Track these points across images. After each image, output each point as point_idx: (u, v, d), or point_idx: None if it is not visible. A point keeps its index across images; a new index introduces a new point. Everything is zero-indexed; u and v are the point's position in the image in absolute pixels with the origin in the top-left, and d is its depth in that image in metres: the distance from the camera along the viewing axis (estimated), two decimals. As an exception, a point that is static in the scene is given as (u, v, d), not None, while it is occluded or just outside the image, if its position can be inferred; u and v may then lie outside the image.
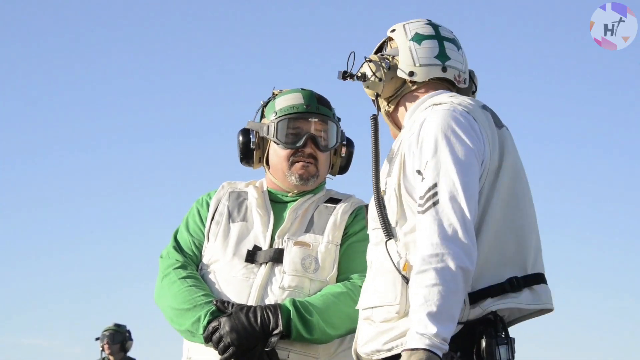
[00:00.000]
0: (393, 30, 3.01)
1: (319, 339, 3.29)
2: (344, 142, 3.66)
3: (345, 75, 2.97)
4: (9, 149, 13.78)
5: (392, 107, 3.00)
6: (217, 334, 3.27)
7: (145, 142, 13.43)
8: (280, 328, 3.25)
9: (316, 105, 3.58)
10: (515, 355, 2.68)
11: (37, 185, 13.86)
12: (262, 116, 3.66)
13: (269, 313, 3.27)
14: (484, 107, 2.87)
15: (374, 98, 3.02)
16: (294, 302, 3.30)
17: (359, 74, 2.97)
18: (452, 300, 2.57)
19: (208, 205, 3.61)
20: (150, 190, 13.53)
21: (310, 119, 3.55)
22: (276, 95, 3.65)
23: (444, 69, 2.94)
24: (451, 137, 2.71)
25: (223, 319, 3.27)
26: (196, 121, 13.17)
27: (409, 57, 2.93)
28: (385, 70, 2.95)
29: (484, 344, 2.63)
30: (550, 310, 2.77)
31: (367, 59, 2.98)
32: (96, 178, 13.78)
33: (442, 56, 2.94)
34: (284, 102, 3.59)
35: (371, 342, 2.79)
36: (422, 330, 2.53)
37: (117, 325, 9.61)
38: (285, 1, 12.48)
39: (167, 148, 13.40)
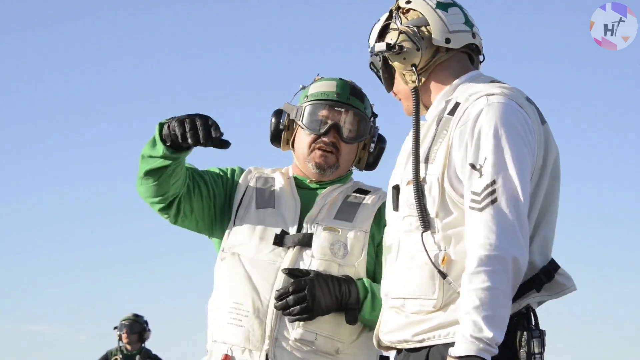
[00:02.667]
0: (409, 2, 2.89)
1: (372, 323, 3.27)
2: (374, 138, 3.63)
3: (389, 48, 2.84)
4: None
5: (423, 79, 2.88)
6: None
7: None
8: (358, 305, 3.30)
9: (347, 96, 3.55)
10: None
11: (52, 166, 13.94)
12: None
13: (350, 288, 3.31)
14: (528, 100, 2.79)
15: (406, 71, 2.88)
16: (370, 283, 3.33)
17: (397, 46, 2.84)
18: (506, 304, 2.54)
19: (235, 172, 3.62)
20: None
21: (337, 108, 3.52)
22: (316, 81, 3.63)
23: (473, 35, 2.88)
24: (511, 135, 2.63)
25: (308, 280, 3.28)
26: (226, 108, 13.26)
27: (441, 24, 2.84)
28: (419, 39, 2.84)
29: (519, 336, 2.60)
30: (574, 289, 2.74)
31: (399, 30, 2.86)
32: (113, 160, 13.85)
33: (468, 22, 2.88)
34: (317, 88, 3.57)
35: (399, 331, 2.74)
36: (476, 334, 2.49)
37: (136, 316, 9.68)
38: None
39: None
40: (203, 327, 3.52)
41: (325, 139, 3.52)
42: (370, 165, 3.66)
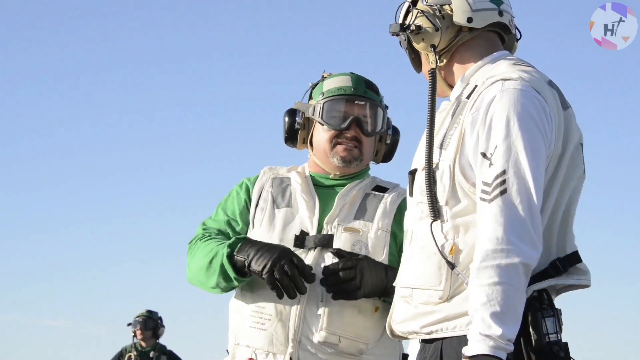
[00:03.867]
0: None
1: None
2: (389, 130, 3.62)
3: (403, 28, 2.77)
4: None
5: (445, 60, 2.80)
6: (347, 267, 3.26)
7: (195, 116, 13.51)
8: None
9: (364, 89, 3.54)
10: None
11: (71, 157, 13.98)
12: (310, 98, 3.64)
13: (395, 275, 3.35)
14: (550, 84, 2.68)
15: (427, 52, 2.79)
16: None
17: (414, 26, 2.76)
18: (516, 299, 2.45)
19: (248, 189, 3.57)
20: (188, 172, 13.63)
21: (356, 102, 3.52)
22: (325, 77, 3.61)
23: (500, 13, 2.76)
24: (524, 122, 2.53)
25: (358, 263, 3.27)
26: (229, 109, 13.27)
27: (464, 3, 2.73)
28: (440, 19, 2.75)
29: (530, 317, 2.50)
30: (587, 286, 2.66)
31: (417, 10, 2.77)
32: (137, 154, 13.88)
33: (496, 0, 2.77)
34: (332, 84, 3.56)
35: (408, 322, 2.70)
36: (485, 331, 2.42)
37: (150, 312, 9.69)
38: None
39: (215, 125, 13.45)
40: (221, 326, 3.54)
41: (347, 133, 3.51)
42: (386, 157, 3.66)
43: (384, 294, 3.33)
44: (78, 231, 13.87)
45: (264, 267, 3.25)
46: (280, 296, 3.28)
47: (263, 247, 3.30)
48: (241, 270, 3.33)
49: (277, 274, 3.24)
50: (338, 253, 3.32)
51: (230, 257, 3.33)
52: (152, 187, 13.83)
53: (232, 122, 13.48)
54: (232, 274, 3.33)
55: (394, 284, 2.82)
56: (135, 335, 9.62)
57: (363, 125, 3.51)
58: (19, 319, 13.93)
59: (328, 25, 12.66)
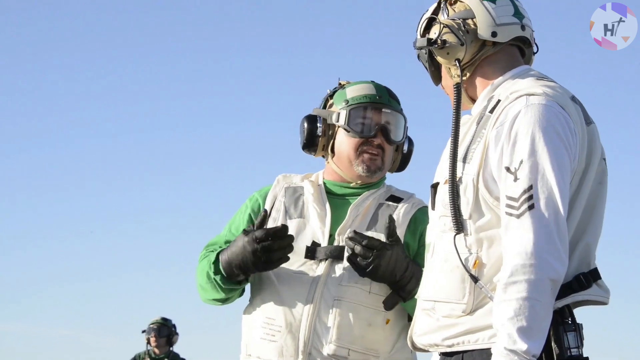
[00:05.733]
0: None
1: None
2: (405, 140, 3.59)
3: (430, 43, 2.75)
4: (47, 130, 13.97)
5: (468, 74, 2.78)
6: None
7: (207, 128, 13.56)
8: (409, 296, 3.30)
9: (388, 98, 3.52)
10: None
11: (80, 164, 14.05)
12: (326, 105, 3.60)
13: (414, 276, 3.28)
14: (574, 99, 2.68)
15: (451, 66, 2.79)
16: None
17: (440, 41, 2.74)
18: (543, 315, 2.44)
19: (257, 202, 3.55)
20: (202, 183, 13.65)
21: (383, 110, 3.49)
22: (343, 85, 3.58)
23: (523, 27, 2.76)
24: (549, 137, 2.53)
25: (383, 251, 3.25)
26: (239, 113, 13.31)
27: (488, 17, 2.73)
28: (465, 33, 2.74)
29: (552, 331, 2.49)
30: (605, 303, 2.65)
31: (442, 24, 2.76)
32: (147, 160, 13.94)
33: (518, 14, 2.77)
34: (356, 92, 3.52)
35: (429, 334, 2.68)
36: (511, 346, 2.41)
37: (164, 319, 9.70)
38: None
39: (234, 137, 13.49)
40: (235, 336, 3.54)
41: (373, 141, 3.48)
42: (400, 166, 3.63)
43: (395, 287, 3.31)
44: (90, 239, 13.93)
45: (255, 265, 3.32)
46: (286, 259, 3.33)
47: (232, 252, 3.35)
48: (235, 279, 3.40)
49: (263, 256, 3.29)
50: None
51: (216, 273, 3.38)
52: (166, 192, 13.87)
53: (245, 129, 13.52)
54: (232, 286, 3.41)
55: (417, 296, 2.81)
56: (149, 343, 9.63)
57: (389, 134, 3.50)
58: (26, 328, 13.99)
59: (334, 35, 12.69)
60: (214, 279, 3.38)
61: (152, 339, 9.62)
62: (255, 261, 3.29)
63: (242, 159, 13.50)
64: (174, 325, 9.74)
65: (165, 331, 9.65)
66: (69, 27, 13.35)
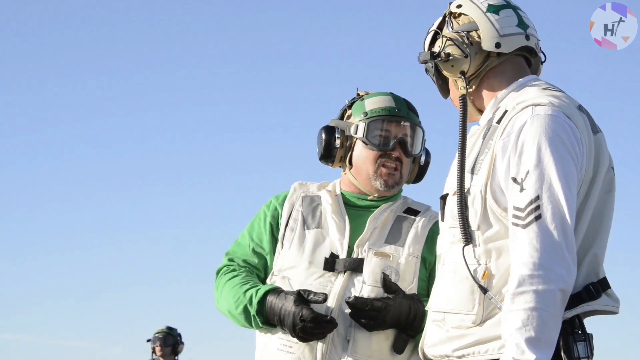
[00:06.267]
0: (459, 6, 2.81)
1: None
2: (422, 151, 3.58)
3: (434, 56, 2.77)
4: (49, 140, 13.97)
5: (474, 86, 2.80)
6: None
7: (220, 136, 13.56)
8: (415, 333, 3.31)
9: (406, 110, 3.51)
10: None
11: (85, 172, 14.02)
12: (344, 116, 3.59)
13: (417, 313, 3.30)
14: (580, 109, 2.68)
15: (456, 78, 2.79)
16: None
17: (443, 54, 2.76)
18: (551, 325, 2.45)
19: (276, 210, 3.54)
20: (213, 189, 13.63)
21: (403, 123, 3.49)
22: (362, 96, 3.57)
23: (527, 37, 2.76)
24: (556, 147, 2.53)
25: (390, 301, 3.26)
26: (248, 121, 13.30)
27: (491, 29, 2.74)
28: (468, 45, 2.75)
29: (562, 341, 2.50)
30: (615, 312, 2.65)
31: (445, 37, 2.77)
32: (156, 171, 13.92)
33: (522, 24, 2.77)
34: (375, 104, 3.51)
35: (440, 345, 2.69)
36: (519, 356, 2.42)
37: (170, 328, 9.65)
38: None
39: (251, 144, 13.49)
40: (245, 345, 3.55)
41: (391, 154, 3.47)
42: (417, 178, 3.63)
43: (404, 328, 3.32)
44: (93, 249, 13.91)
45: (292, 331, 3.30)
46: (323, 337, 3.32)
47: (279, 314, 3.31)
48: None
49: (301, 332, 3.27)
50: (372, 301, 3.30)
51: (264, 323, 3.37)
52: (173, 201, 13.85)
53: (261, 139, 13.50)
54: (265, 325, 3.40)
55: (428, 307, 2.82)
56: (154, 352, 9.59)
57: (407, 147, 3.49)
58: (31, 339, 13.98)
59: (353, 44, 12.69)
60: (254, 316, 3.36)
61: (158, 348, 9.57)
62: (294, 329, 3.28)
63: (253, 169, 13.48)
64: (179, 335, 9.69)
65: (170, 340, 9.59)
66: (73, 34, 13.35)
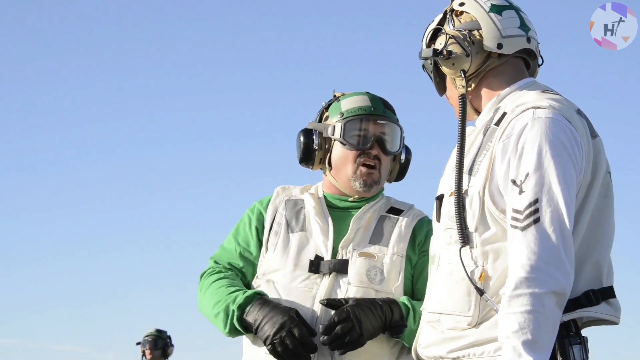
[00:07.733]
0: (462, 4, 2.78)
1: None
2: (402, 149, 3.57)
3: (436, 53, 2.73)
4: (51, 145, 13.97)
5: (473, 85, 2.78)
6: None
7: (211, 142, 13.56)
8: (403, 322, 3.26)
9: (383, 109, 3.49)
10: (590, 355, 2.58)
11: (79, 180, 14.03)
12: (321, 118, 3.58)
13: (391, 307, 3.26)
14: (579, 113, 2.67)
15: (456, 77, 2.78)
16: (410, 300, 3.29)
17: (445, 51, 2.73)
18: (548, 328, 2.43)
19: (261, 214, 3.52)
20: (198, 194, 13.64)
21: (379, 122, 3.46)
22: (338, 97, 3.56)
23: (528, 40, 2.75)
24: (556, 150, 2.52)
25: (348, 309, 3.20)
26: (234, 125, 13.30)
27: (494, 29, 2.72)
28: (470, 44, 2.73)
29: (557, 344, 2.49)
30: (615, 323, 2.64)
31: (447, 35, 2.75)
32: (143, 177, 13.93)
33: (524, 26, 2.76)
34: (350, 104, 3.49)
35: (434, 346, 2.68)
36: (516, 359, 2.41)
37: (159, 331, 9.64)
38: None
39: (233, 149, 13.48)
40: (233, 348, 3.51)
41: (369, 152, 3.46)
42: (398, 176, 3.61)
43: (388, 329, 3.28)
44: (85, 254, 13.92)
45: (266, 339, 3.23)
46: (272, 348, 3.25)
47: (269, 314, 3.25)
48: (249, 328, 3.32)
49: (278, 346, 3.21)
50: (329, 304, 3.25)
51: (240, 319, 3.31)
52: (164, 208, 13.85)
53: (241, 144, 13.51)
54: (241, 331, 3.35)
55: (422, 308, 2.81)
56: (144, 355, 9.58)
57: (385, 145, 3.47)
58: (24, 343, 13.94)
59: (329, 47, 12.72)
60: (233, 310, 3.31)
61: (147, 352, 9.56)
62: (275, 335, 3.23)
63: (236, 174, 13.50)
64: (169, 337, 9.68)
65: (160, 343, 9.58)
66: (74, 38, 13.37)
